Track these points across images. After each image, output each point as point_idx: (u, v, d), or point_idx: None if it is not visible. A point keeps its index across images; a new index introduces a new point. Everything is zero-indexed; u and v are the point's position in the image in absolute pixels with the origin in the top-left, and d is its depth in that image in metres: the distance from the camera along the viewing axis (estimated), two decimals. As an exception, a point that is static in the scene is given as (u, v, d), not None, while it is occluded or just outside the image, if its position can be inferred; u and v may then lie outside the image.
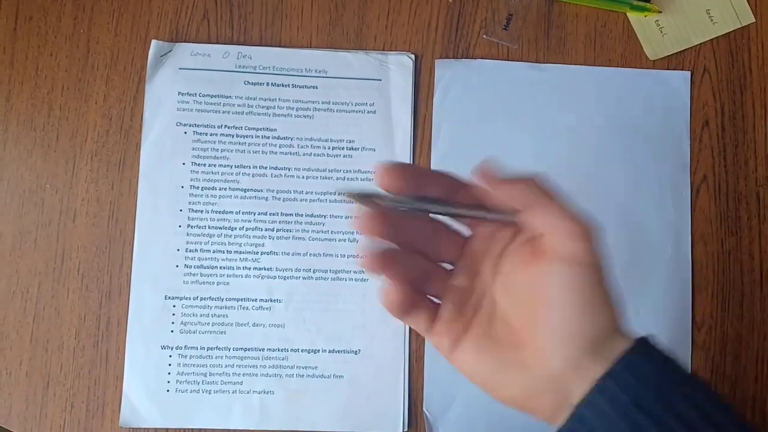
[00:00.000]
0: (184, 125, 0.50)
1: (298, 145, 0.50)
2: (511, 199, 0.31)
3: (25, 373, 0.48)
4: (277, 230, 0.49)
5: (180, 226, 0.49)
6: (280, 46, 0.51)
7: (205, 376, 0.48)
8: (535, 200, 0.31)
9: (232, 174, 0.50)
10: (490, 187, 0.31)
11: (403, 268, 0.33)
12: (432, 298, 0.34)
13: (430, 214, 0.33)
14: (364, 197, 0.31)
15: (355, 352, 0.48)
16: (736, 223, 0.51)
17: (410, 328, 0.49)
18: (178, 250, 0.49)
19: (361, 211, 0.32)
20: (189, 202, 0.49)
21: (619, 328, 0.31)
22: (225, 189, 0.49)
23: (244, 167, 0.50)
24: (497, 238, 0.33)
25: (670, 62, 0.52)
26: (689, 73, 0.52)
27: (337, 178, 0.50)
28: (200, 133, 0.50)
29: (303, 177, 0.50)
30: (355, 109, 0.51)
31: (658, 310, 0.50)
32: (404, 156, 0.50)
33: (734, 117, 0.52)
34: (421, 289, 0.34)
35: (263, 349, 0.48)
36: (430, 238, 0.34)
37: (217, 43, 0.51)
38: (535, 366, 0.31)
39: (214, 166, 0.50)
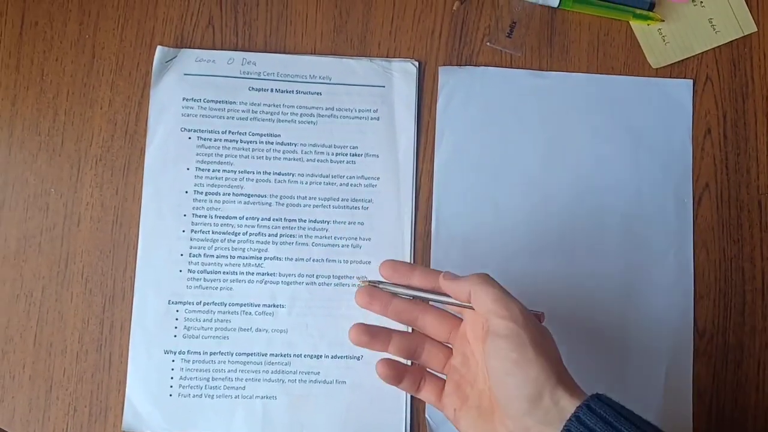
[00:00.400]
0: (189, 131, 0.50)
1: (301, 150, 0.50)
2: (462, 290, 0.38)
3: (29, 376, 0.48)
4: (281, 236, 0.49)
5: (183, 231, 0.49)
6: (284, 53, 0.52)
7: (208, 380, 0.48)
8: (478, 288, 0.37)
9: (235, 179, 0.50)
10: (447, 285, 0.39)
11: (385, 344, 0.41)
12: (439, 374, 0.42)
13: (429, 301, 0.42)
14: (370, 282, 0.42)
15: (358, 358, 0.48)
16: (738, 231, 0.51)
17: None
18: (182, 254, 0.49)
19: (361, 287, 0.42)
20: (193, 207, 0.49)
21: (558, 384, 0.35)
22: (229, 194, 0.50)
23: (248, 173, 0.50)
24: (480, 322, 0.39)
25: (673, 70, 0.53)
26: (692, 81, 0.52)
27: (341, 184, 0.50)
28: (204, 139, 0.50)
29: (306, 183, 0.50)
30: (359, 115, 0.51)
31: (660, 317, 0.50)
32: (407, 162, 0.51)
33: (736, 125, 0.52)
34: (420, 362, 0.42)
35: (266, 354, 0.48)
36: (427, 320, 0.41)
37: (222, 49, 0.51)
38: (499, 430, 0.37)
39: (218, 171, 0.50)
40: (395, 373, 0.41)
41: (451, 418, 0.40)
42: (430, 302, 0.42)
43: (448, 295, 0.40)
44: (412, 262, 0.50)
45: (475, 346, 0.40)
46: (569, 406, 0.34)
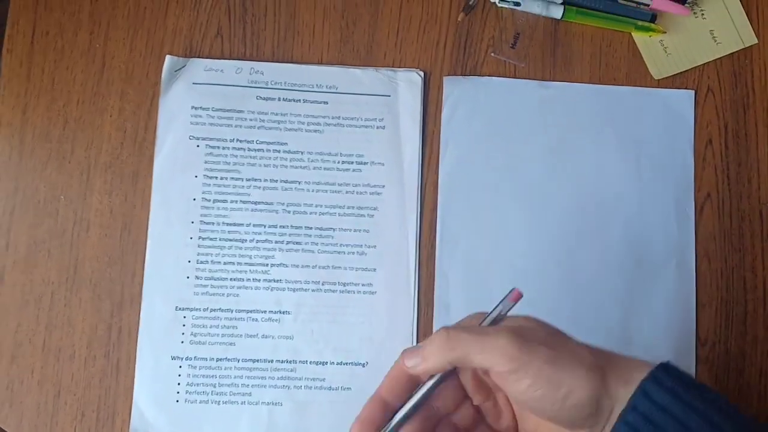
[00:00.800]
0: (197, 139, 0.51)
1: (308, 159, 0.51)
2: (436, 367, 0.32)
3: (37, 381, 0.48)
4: (287, 243, 0.50)
5: (191, 238, 0.50)
6: (291, 62, 0.52)
7: (214, 386, 0.48)
8: (455, 356, 0.32)
9: (243, 187, 0.50)
10: (417, 371, 0.33)
11: None
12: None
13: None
14: None
15: (363, 365, 0.49)
16: (739, 241, 0.52)
17: (417, 341, 0.49)
18: (189, 261, 0.49)
19: None
20: (200, 215, 0.50)
21: (606, 379, 0.31)
22: (236, 202, 0.50)
23: (256, 180, 0.51)
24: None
25: (675, 82, 0.53)
26: (693, 92, 0.53)
27: (347, 192, 0.51)
28: (212, 147, 0.51)
29: (313, 190, 0.51)
30: (365, 124, 0.52)
31: (663, 326, 0.50)
32: (412, 171, 0.51)
33: (737, 136, 0.53)
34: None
35: (272, 361, 0.49)
36: (440, 404, 0.34)
37: (230, 58, 0.52)
38: None
39: (226, 179, 0.50)
40: None
41: None
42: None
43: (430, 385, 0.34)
44: (416, 269, 0.50)
45: (486, 378, 0.35)
46: (627, 396, 0.30)
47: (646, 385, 0.30)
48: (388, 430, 0.33)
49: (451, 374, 0.34)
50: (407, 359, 0.33)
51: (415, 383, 0.34)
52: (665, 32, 0.53)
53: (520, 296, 0.35)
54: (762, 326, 0.51)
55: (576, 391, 0.30)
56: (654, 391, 0.30)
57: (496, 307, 0.35)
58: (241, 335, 0.49)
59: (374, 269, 0.50)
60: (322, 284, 0.49)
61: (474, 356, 0.31)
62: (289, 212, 0.50)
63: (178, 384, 0.48)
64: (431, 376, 0.33)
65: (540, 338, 0.32)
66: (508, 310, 0.35)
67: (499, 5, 0.53)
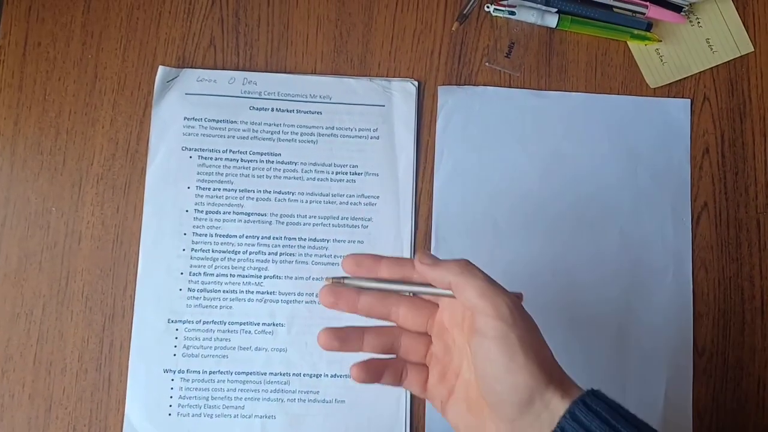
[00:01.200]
0: (190, 150, 0.50)
1: (302, 169, 0.51)
2: (442, 279, 0.36)
3: (28, 395, 0.48)
4: (281, 254, 0.50)
5: (184, 250, 0.49)
6: (285, 73, 0.52)
7: (207, 400, 0.48)
8: (461, 280, 0.35)
9: (236, 198, 0.50)
10: (424, 270, 0.36)
11: (359, 344, 0.38)
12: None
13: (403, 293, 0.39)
14: (334, 280, 0.38)
15: (357, 377, 0.48)
16: (736, 250, 0.51)
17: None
18: (182, 273, 0.49)
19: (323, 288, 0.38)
20: (193, 226, 0.50)
21: (549, 385, 0.33)
22: (229, 213, 0.50)
23: (249, 191, 0.50)
24: (459, 309, 0.37)
25: (671, 90, 0.53)
26: (689, 101, 0.53)
27: (341, 203, 0.50)
28: (205, 158, 0.50)
29: (306, 201, 0.50)
30: (359, 134, 0.51)
31: (660, 336, 0.50)
32: (407, 181, 0.51)
33: (734, 145, 0.52)
34: (399, 356, 0.39)
35: (265, 373, 0.48)
36: (401, 312, 0.38)
37: (223, 69, 0.52)
38: (489, 428, 0.35)
39: (219, 190, 0.50)
40: (373, 374, 0.38)
41: (438, 409, 0.38)
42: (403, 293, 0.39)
43: (420, 284, 0.37)
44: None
45: (456, 335, 0.37)
46: (560, 407, 0.33)
47: (575, 408, 0.32)
48: (358, 279, 0.38)
49: (433, 302, 0.38)
50: (425, 257, 0.37)
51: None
52: (661, 41, 0.53)
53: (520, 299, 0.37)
54: (760, 336, 0.50)
55: (522, 373, 0.33)
56: (582, 414, 0.32)
57: None
58: (234, 348, 0.48)
59: (368, 281, 0.49)
60: (316, 296, 0.49)
61: (473, 292, 0.34)
62: (282, 223, 0.50)
63: (171, 397, 0.48)
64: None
65: (528, 323, 0.35)
66: None
67: (494, 14, 0.52)
